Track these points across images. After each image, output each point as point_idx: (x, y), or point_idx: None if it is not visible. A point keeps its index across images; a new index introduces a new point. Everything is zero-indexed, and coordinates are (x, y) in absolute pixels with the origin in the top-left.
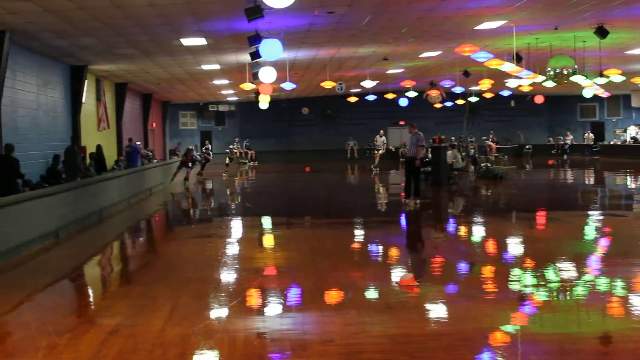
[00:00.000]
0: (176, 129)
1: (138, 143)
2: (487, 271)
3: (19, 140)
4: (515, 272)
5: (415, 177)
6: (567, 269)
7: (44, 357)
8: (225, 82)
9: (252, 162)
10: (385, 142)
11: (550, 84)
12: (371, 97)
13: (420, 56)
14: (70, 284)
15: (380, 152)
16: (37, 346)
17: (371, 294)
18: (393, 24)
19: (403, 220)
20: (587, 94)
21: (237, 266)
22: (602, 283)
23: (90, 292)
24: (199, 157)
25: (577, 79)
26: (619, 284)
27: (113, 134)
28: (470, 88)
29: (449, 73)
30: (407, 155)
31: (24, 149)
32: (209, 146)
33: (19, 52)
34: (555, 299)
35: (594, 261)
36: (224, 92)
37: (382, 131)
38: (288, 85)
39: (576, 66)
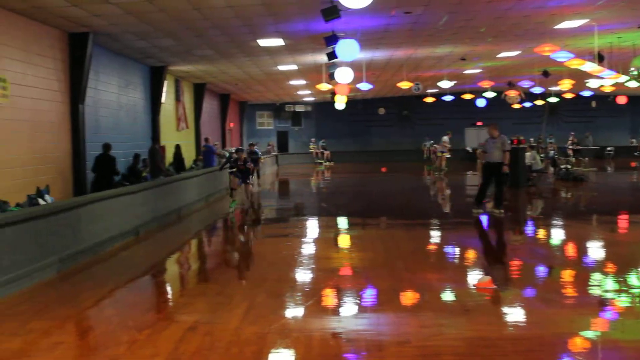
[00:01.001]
0: (253, 129)
1: (216, 143)
2: (567, 275)
3: (100, 139)
4: (596, 276)
5: (499, 184)
6: None
7: (124, 352)
8: (302, 82)
9: (327, 163)
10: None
11: (633, 84)
12: (448, 98)
13: (499, 56)
14: (149, 280)
15: (446, 154)
16: (118, 340)
17: (447, 296)
18: (471, 24)
19: (480, 222)
20: None
21: (312, 266)
22: None
23: (168, 289)
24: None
25: None
26: None
27: (192, 133)
28: (549, 88)
29: (528, 73)
30: (489, 160)
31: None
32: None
33: (101, 54)
34: (638, 305)
35: None
36: (300, 92)
37: (450, 132)
38: (364, 86)
39: None
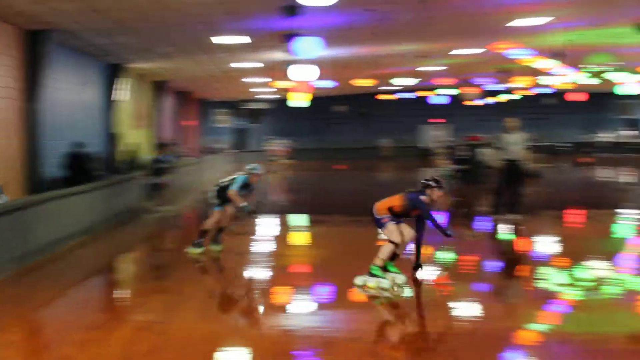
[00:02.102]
0: (212, 127)
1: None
2: (519, 270)
3: (57, 138)
4: (546, 270)
5: (517, 185)
6: (599, 268)
7: (76, 351)
8: (260, 79)
9: (286, 160)
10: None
11: (589, 80)
12: (407, 95)
13: (458, 53)
14: (103, 279)
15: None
16: (71, 340)
17: (400, 292)
18: (432, 21)
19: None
20: (626, 90)
21: (267, 264)
22: (633, 282)
23: (121, 288)
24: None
25: (617, 75)
26: None
27: (149, 132)
28: (508, 85)
29: (486, 70)
30: (507, 158)
31: (60, 147)
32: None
33: (59, 51)
34: (587, 298)
35: (627, 260)
36: (259, 89)
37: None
38: (324, 83)
39: (618, 63)
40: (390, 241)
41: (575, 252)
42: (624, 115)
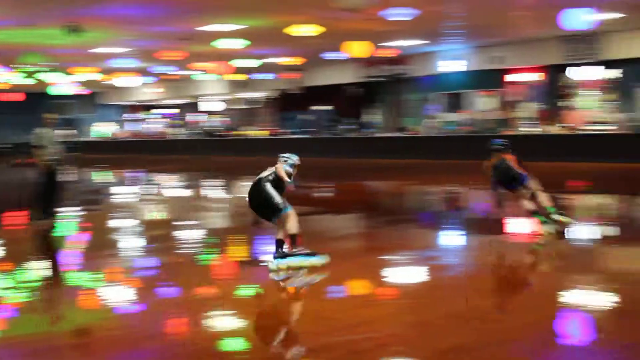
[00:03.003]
0: None
1: None
2: None
3: None
4: None
5: (56, 188)
6: (42, 268)
7: None
8: None
9: None
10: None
11: (25, 81)
12: None
13: None
14: None
15: None
16: None
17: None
18: None
19: None
20: (59, 90)
21: None
22: (78, 277)
23: None
24: None
25: (50, 76)
26: (92, 276)
27: None
28: None
29: None
30: (50, 157)
31: None
32: None
33: None
34: (32, 299)
35: (69, 256)
36: None
37: None
38: None
39: (52, 63)
40: (537, 192)
41: (16, 254)
42: (61, 115)
